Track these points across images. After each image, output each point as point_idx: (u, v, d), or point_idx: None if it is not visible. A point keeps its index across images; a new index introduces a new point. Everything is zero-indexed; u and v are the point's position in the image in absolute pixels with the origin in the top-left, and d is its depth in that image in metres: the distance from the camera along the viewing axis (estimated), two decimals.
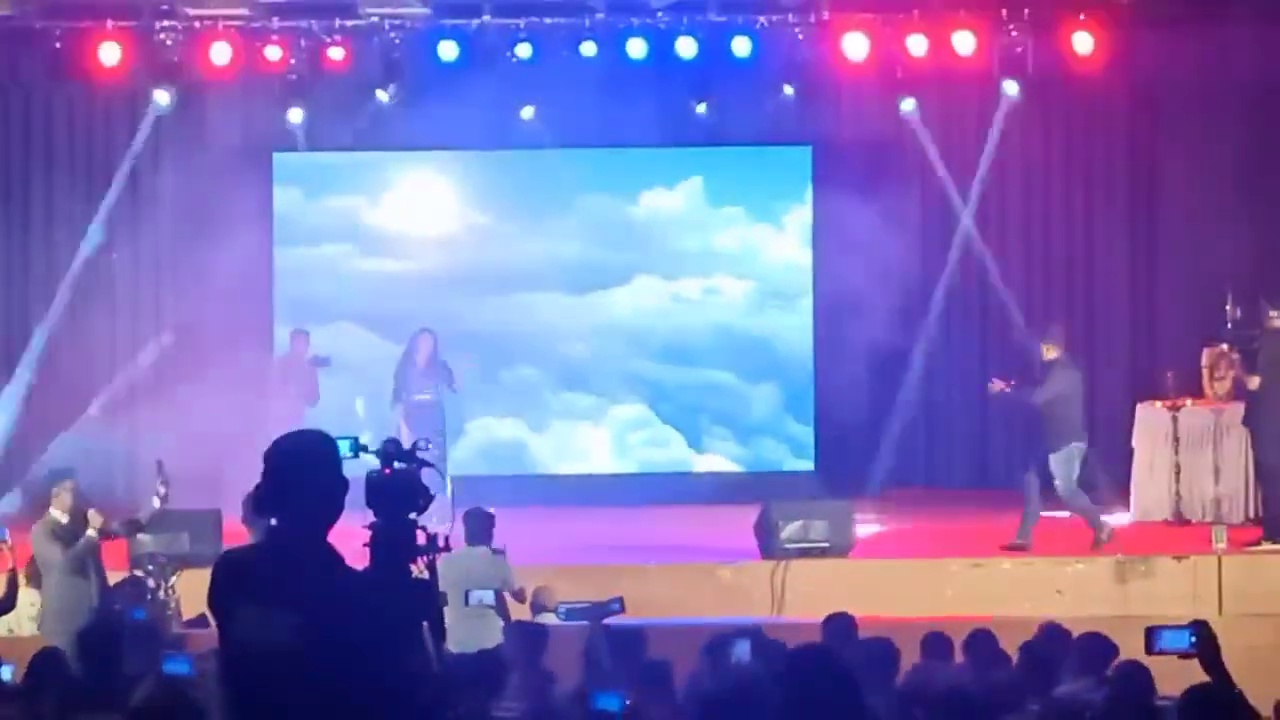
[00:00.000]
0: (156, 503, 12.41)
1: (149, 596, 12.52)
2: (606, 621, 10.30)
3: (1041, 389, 15.15)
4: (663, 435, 19.49)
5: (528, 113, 18.55)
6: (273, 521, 5.44)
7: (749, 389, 19.52)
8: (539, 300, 19.21)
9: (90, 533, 12.04)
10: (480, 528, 12.27)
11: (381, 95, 18.18)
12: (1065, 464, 15.02)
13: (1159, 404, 16.94)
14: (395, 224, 19.40)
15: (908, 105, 18.73)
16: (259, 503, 5.41)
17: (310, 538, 5.35)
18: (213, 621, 5.44)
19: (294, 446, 5.45)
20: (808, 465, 19.27)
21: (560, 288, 19.28)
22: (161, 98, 18.19)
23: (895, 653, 9.00)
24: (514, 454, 19.13)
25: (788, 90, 18.49)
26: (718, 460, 19.46)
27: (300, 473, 5.37)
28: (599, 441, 19.44)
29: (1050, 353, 15.29)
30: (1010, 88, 18.37)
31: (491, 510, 12.52)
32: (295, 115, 18.45)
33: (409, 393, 16.91)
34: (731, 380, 19.53)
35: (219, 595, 5.41)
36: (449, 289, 19.11)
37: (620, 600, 10.69)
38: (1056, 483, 15.00)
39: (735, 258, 19.56)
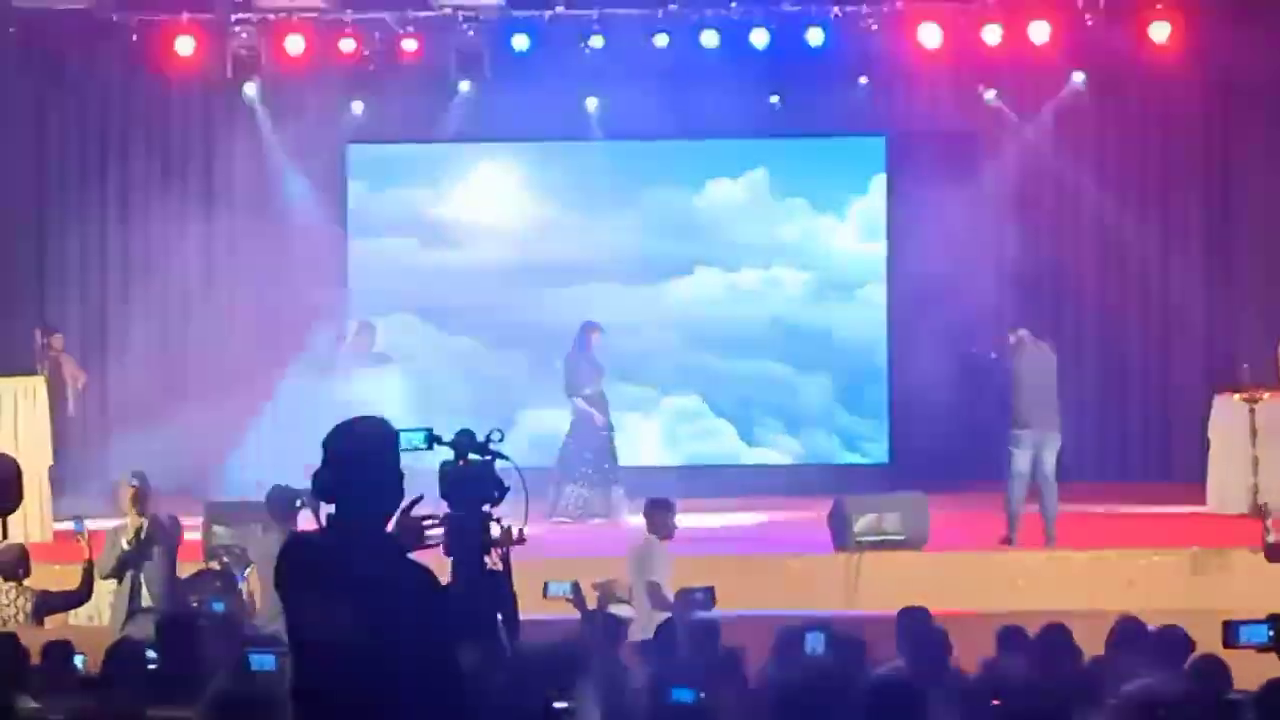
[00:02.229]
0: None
1: (226, 588, 12.52)
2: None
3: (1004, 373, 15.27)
4: (716, 427, 19.45)
5: (591, 104, 18.60)
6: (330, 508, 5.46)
7: (806, 381, 19.47)
8: (598, 291, 19.13)
9: (124, 544, 11.95)
10: (654, 517, 12.46)
11: (464, 86, 18.26)
12: (1008, 447, 15.10)
13: (1236, 396, 16.78)
14: (461, 215, 19.48)
15: (983, 95, 18.70)
16: (319, 488, 5.42)
17: (369, 525, 5.37)
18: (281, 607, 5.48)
19: (352, 433, 5.47)
20: (863, 459, 19.23)
21: (620, 279, 19.29)
22: (249, 89, 18.47)
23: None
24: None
25: (862, 81, 18.47)
26: (771, 453, 19.42)
27: (358, 459, 5.38)
28: (650, 433, 19.41)
29: (1011, 337, 15.29)
30: (1085, 78, 18.30)
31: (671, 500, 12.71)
32: (369, 108, 18.55)
33: (589, 384, 17.13)
34: (789, 373, 19.48)
35: (283, 579, 5.46)
36: (508, 280, 19.18)
37: (711, 591, 10.79)
38: None
39: (798, 249, 19.51)
